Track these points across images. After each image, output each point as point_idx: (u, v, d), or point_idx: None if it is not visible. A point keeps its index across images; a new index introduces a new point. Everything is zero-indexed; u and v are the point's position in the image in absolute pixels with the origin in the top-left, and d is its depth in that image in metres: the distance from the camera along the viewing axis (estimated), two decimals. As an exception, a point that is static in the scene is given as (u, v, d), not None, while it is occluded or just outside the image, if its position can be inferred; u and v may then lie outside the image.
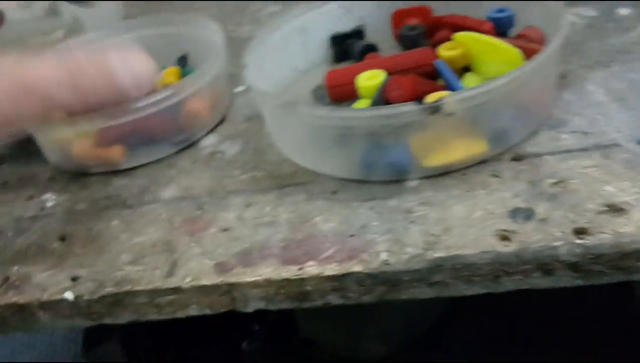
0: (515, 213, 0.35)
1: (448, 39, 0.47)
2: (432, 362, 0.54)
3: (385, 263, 0.34)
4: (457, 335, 0.57)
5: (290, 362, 0.54)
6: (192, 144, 0.48)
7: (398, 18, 0.52)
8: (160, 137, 0.46)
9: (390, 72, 0.44)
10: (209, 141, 0.48)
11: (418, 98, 0.41)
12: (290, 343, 0.52)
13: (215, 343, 0.50)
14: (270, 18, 0.67)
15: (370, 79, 0.43)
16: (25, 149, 0.52)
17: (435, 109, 0.36)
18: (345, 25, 0.54)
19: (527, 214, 0.35)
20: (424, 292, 0.34)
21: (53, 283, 0.37)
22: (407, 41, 0.48)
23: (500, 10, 0.47)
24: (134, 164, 0.46)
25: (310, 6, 0.53)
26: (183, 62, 0.56)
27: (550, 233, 0.33)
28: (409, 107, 0.36)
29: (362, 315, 0.50)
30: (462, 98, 0.36)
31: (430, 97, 0.39)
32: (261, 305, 0.36)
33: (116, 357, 0.48)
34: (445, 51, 0.44)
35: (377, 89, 0.42)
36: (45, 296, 0.36)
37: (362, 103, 0.44)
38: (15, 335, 0.74)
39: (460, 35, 0.44)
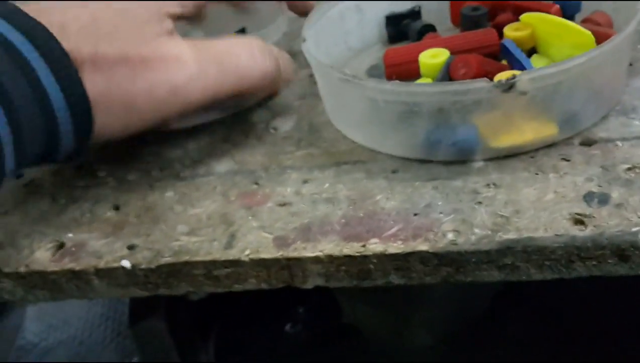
0: (589, 197, 0.34)
1: (511, 21, 0.46)
2: (479, 354, 0.53)
3: (453, 243, 0.33)
4: (504, 329, 0.56)
5: (332, 347, 0.53)
6: (244, 119, 0.47)
7: (457, 2, 0.51)
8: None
9: (453, 52, 0.43)
10: (261, 117, 0.48)
11: (485, 78, 0.40)
12: (334, 329, 0.51)
13: (258, 324, 0.49)
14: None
15: (434, 57, 0.42)
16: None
17: (508, 86, 0.34)
18: (401, 6, 0.53)
19: (601, 198, 0.34)
20: (492, 275, 0.33)
21: (109, 251, 0.37)
22: (468, 22, 0.47)
23: (568, -7, 0.45)
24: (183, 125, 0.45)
25: (366, -15, 0.52)
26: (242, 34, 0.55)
27: (627, 218, 0.32)
28: (481, 83, 0.35)
29: (408, 302, 0.49)
30: (537, 77, 0.35)
31: (501, 76, 0.37)
32: (320, 282, 0.35)
33: (160, 332, 0.47)
34: (512, 32, 0.43)
35: (442, 67, 0.41)
36: (101, 264, 0.36)
37: (422, 82, 0.43)
38: (50, 311, 0.74)
39: (528, 16, 0.43)
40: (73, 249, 0.37)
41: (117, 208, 0.40)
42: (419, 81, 0.43)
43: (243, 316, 0.51)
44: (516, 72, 0.37)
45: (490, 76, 0.40)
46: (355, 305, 0.54)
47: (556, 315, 0.54)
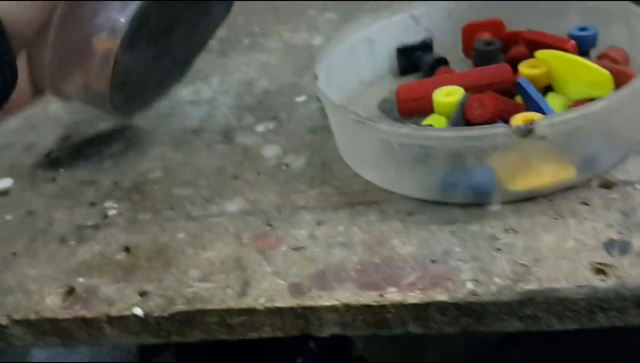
0: (610, 245, 0.33)
1: (524, 55, 0.45)
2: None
3: (473, 293, 0.32)
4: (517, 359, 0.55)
5: (344, 382, 0.53)
6: (255, 154, 0.47)
7: (469, 32, 0.51)
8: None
9: (466, 89, 0.42)
10: (272, 152, 0.47)
11: (500, 118, 0.40)
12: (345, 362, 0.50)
13: (270, 358, 0.49)
14: (328, 25, 0.66)
15: (447, 96, 0.42)
16: (83, 152, 0.51)
17: (527, 132, 0.34)
18: (412, 37, 0.52)
19: (622, 247, 0.33)
20: (512, 325, 0.33)
21: (121, 297, 0.36)
22: (481, 56, 0.47)
23: (583, 28, 0.45)
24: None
25: (377, 17, 0.51)
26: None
27: (650, 269, 0.31)
28: (499, 129, 0.34)
29: (421, 336, 0.48)
30: (556, 122, 0.34)
31: (518, 119, 0.37)
32: (336, 330, 0.35)
33: (170, 369, 0.47)
34: (528, 69, 0.42)
35: (456, 107, 0.41)
36: (113, 311, 0.35)
37: (435, 119, 0.43)
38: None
39: (543, 53, 0.42)
40: (84, 295, 0.37)
41: (127, 249, 0.40)
42: (432, 118, 0.43)
43: (255, 351, 0.50)
44: (534, 115, 0.37)
45: (505, 116, 0.40)
46: (367, 339, 0.53)
47: (565, 347, 0.53)
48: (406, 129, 0.37)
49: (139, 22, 0.36)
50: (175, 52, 0.45)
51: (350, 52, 0.50)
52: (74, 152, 0.51)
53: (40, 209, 0.45)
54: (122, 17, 0.35)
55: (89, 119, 0.56)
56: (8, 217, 0.45)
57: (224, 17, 0.47)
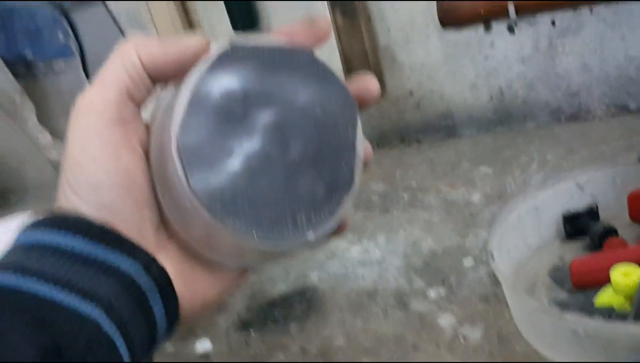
0: None
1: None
2: None
3: None
4: None
5: None
6: (430, 323, 0.49)
7: (635, 199, 0.52)
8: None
9: (642, 265, 0.43)
10: (447, 321, 0.50)
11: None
12: None
13: None
14: (484, 180, 0.69)
15: (626, 276, 0.43)
16: (270, 314, 0.56)
17: None
18: (577, 203, 0.54)
19: None
20: None
21: None
22: (655, 229, 0.48)
23: None
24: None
25: (543, 186, 0.54)
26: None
27: None
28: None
29: None
30: None
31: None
32: None
33: None
34: None
35: (637, 289, 0.42)
36: None
37: (613, 297, 0.44)
38: None
39: None
40: None
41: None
42: (610, 295, 0.44)
43: None
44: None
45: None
46: None
47: None
48: (594, 323, 0.38)
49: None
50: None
51: (519, 222, 0.52)
52: (261, 314, 0.57)
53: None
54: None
55: (270, 278, 0.61)
56: (210, 380, 0.50)
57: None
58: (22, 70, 0.89)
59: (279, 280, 0.61)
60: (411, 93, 0.83)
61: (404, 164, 0.78)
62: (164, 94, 0.33)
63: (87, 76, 0.87)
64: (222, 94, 0.31)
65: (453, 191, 0.69)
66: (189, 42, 0.31)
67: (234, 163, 0.30)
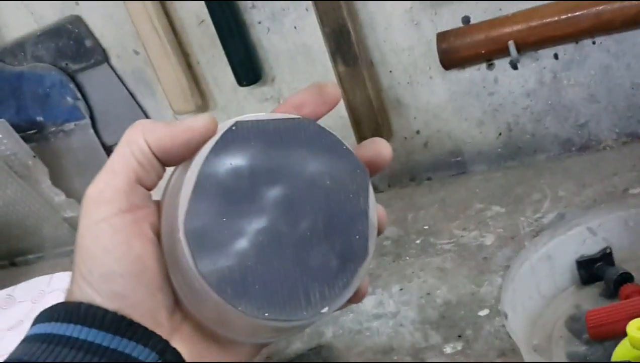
0: None
1: None
2: None
3: None
4: None
5: None
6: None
7: (650, 242, 0.51)
8: None
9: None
10: (465, 379, 0.49)
11: None
12: None
13: None
14: (496, 221, 0.69)
15: (642, 331, 0.42)
16: None
17: None
18: (590, 247, 0.54)
19: None
20: None
21: None
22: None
23: None
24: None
25: (554, 233, 0.53)
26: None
27: None
28: None
29: None
30: None
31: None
32: None
33: None
34: None
35: (655, 345, 0.41)
36: None
37: (630, 351, 0.43)
38: None
39: None
40: None
41: None
42: (627, 350, 0.43)
43: None
44: None
45: None
46: None
47: None
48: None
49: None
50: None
51: (531, 272, 0.52)
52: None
53: None
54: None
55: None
56: None
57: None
58: (34, 133, 0.91)
59: (294, 338, 0.60)
60: (418, 132, 0.83)
61: (415, 206, 0.77)
62: (174, 175, 0.33)
63: (97, 135, 0.88)
64: (228, 173, 0.31)
65: (466, 234, 0.68)
66: (196, 123, 0.31)
67: (243, 242, 0.30)
